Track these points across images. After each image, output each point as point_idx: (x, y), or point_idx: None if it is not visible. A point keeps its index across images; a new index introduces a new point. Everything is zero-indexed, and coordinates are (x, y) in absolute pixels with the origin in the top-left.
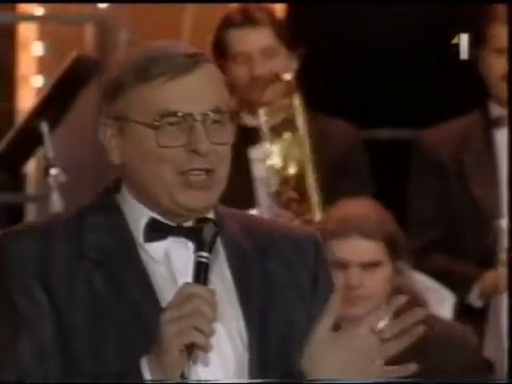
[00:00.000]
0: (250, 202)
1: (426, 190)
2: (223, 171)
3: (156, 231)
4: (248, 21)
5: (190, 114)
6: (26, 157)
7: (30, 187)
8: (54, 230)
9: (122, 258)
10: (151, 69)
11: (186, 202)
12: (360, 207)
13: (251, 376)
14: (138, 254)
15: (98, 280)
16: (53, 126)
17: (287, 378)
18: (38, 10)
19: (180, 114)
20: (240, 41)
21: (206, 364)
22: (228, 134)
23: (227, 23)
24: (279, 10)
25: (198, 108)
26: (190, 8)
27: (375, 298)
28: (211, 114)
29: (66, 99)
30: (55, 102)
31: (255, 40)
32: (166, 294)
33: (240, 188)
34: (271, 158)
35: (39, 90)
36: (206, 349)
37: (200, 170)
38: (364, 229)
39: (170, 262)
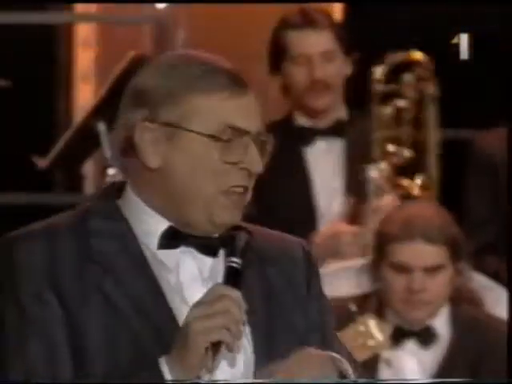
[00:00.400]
0: (304, 198)
1: (481, 191)
2: (250, 192)
3: (171, 239)
4: (309, 23)
5: (248, 132)
6: (83, 157)
7: (88, 188)
8: (60, 232)
9: (130, 264)
10: (210, 82)
11: (220, 218)
12: (423, 210)
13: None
14: (146, 261)
15: (108, 285)
16: (110, 125)
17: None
18: (96, 10)
19: (241, 130)
20: (300, 42)
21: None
22: (264, 157)
23: (287, 24)
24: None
25: (254, 127)
26: (247, 7)
27: (437, 302)
28: (260, 136)
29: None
30: (112, 102)
31: (315, 43)
32: (174, 301)
33: (294, 185)
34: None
35: (97, 89)
36: (232, 348)
37: (242, 186)
38: (427, 233)
39: (179, 270)
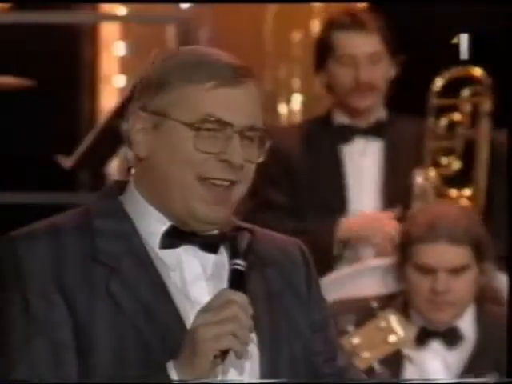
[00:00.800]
0: (339, 195)
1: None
2: (243, 188)
3: (173, 238)
4: (357, 24)
5: (231, 125)
6: (107, 156)
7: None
8: (64, 231)
9: (136, 264)
10: (200, 72)
11: (200, 212)
12: (448, 211)
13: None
14: (151, 260)
15: (114, 285)
16: None
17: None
18: (120, 10)
19: (221, 122)
20: (347, 43)
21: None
22: (256, 153)
23: (334, 24)
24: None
25: (239, 121)
26: (272, 7)
27: (461, 303)
28: (248, 130)
29: None
30: None
31: (363, 44)
32: (179, 300)
33: (327, 182)
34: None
35: (121, 89)
36: (240, 355)
37: (224, 180)
38: (452, 234)
39: (182, 269)
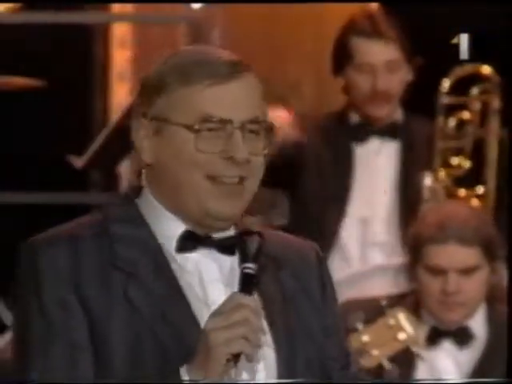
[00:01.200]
0: (342, 195)
1: None
2: (255, 181)
3: (188, 241)
4: (376, 32)
5: (230, 121)
6: (119, 156)
7: (124, 187)
8: (82, 237)
9: (153, 269)
10: (194, 72)
11: (214, 208)
12: (458, 211)
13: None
14: (168, 265)
15: (132, 290)
16: None
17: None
18: (132, 10)
19: (220, 120)
20: (366, 50)
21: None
22: (263, 145)
23: (354, 30)
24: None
25: (238, 116)
26: (282, 7)
27: (472, 303)
28: (249, 124)
29: None
30: None
31: (381, 53)
32: (198, 304)
33: (341, 180)
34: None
35: (133, 89)
36: (252, 359)
37: (233, 176)
38: (462, 235)
39: (201, 271)
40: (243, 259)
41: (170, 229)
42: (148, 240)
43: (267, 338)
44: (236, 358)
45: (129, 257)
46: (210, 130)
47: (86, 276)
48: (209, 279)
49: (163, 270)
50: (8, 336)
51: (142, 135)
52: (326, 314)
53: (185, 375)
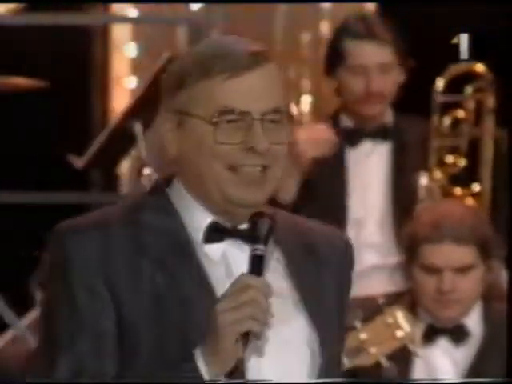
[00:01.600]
0: (343, 195)
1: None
2: (278, 169)
3: (215, 232)
4: (370, 34)
5: (249, 113)
6: (119, 157)
7: (124, 187)
8: (111, 225)
9: (181, 258)
10: (214, 65)
11: (236, 196)
12: (453, 210)
13: (321, 376)
14: (196, 254)
15: (160, 279)
16: (146, 126)
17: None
18: (131, 11)
19: (238, 112)
20: (359, 53)
21: (270, 359)
22: (286, 134)
23: (347, 32)
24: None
25: (258, 107)
26: (282, 7)
27: (468, 301)
28: (270, 114)
29: (159, 100)
30: (148, 103)
31: (374, 55)
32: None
33: (335, 183)
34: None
35: (132, 90)
36: (260, 337)
37: (255, 165)
38: (457, 234)
39: (229, 263)
40: (253, 241)
41: (197, 220)
42: (177, 229)
43: (309, 322)
44: (245, 337)
45: (158, 245)
46: (228, 122)
47: (114, 264)
48: (236, 269)
49: (191, 260)
50: (8, 336)
51: (166, 128)
52: (342, 297)
53: (199, 358)
